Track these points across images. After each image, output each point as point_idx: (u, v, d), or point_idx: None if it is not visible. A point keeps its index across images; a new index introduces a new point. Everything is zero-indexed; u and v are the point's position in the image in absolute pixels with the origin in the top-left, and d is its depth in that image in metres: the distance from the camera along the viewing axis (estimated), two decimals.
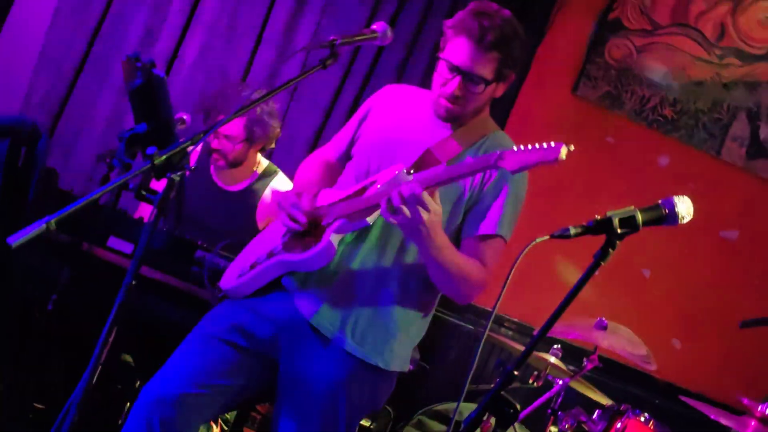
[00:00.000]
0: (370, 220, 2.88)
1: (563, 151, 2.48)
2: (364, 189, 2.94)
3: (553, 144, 2.50)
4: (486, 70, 2.91)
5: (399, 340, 3.01)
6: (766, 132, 5.28)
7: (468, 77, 2.90)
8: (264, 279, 3.02)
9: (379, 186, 2.87)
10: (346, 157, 3.21)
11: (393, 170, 2.87)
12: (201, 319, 3.09)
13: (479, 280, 2.89)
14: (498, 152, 2.56)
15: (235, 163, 4.25)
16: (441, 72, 2.94)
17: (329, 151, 3.29)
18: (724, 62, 5.18)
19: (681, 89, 5.20)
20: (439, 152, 2.99)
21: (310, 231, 2.95)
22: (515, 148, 2.57)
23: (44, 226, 2.23)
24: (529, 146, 2.55)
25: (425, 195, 2.62)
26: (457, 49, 2.91)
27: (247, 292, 3.05)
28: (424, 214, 2.64)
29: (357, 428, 3.14)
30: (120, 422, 3.79)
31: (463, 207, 2.90)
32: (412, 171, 2.87)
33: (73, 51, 4.51)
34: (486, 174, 2.95)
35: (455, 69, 2.89)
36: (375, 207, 2.83)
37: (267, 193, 4.27)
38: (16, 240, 2.20)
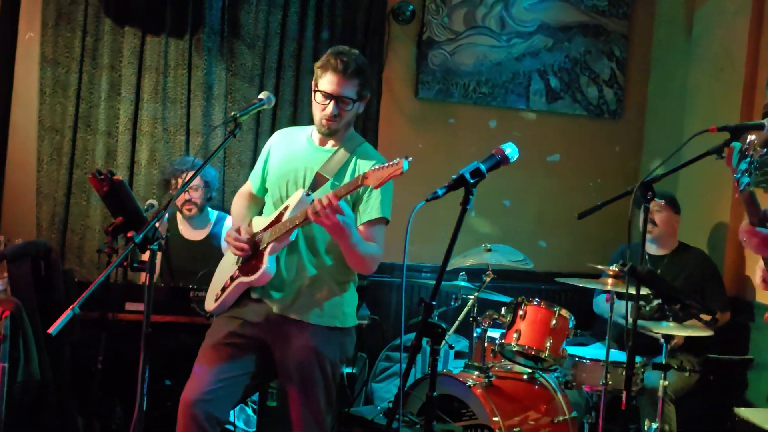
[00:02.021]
0: (292, 237, 3.08)
1: (405, 164, 2.70)
2: (281, 215, 3.13)
3: (397, 161, 2.73)
4: (352, 93, 3.14)
5: (343, 304, 3.26)
6: (554, 82, 5.65)
7: (340, 100, 3.12)
8: (234, 297, 3.23)
9: (291, 208, 3.12)
10: (264, 189, 3.38)
11: (298, 194, 3.11)
12: (205, 336, 3.28)
13: (377, 258, 3.16)
14: (362, 174, 2.82)
15: (201, 208, 4.51)
16: (318, 101, 3.16)
17: (250, 186, 3.47)
18: (511, 43, 5.56)
19: (488, 71, 5.53)
20: (325, 172, 3.19)
21: (254, 254, 3.16)
22: (374, 168, 2.81)
23: (72, 312, 2.43)
24: (383, 165, 2.79)
25: (332, 211, 2.86)
26: (328, 81, 3.12)
27: (226, 308, 3.26)
28: (340, 218, 2.90)
29: (340, 376, 3.36)
30: None
31: (351, 205, 3.13)
32: (309, 192, 3.12)
33: (60, 183, 4.81)
34: (373, 196, 3.17)
35: (329, 96, 3.11)
36: (293, 228, 3.03)
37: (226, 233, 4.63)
38: (54, 329, 2.43)
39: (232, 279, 3.26)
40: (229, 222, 4.63)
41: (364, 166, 3.19)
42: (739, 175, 2.69)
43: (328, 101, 3.15)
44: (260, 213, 3.45)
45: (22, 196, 4.83)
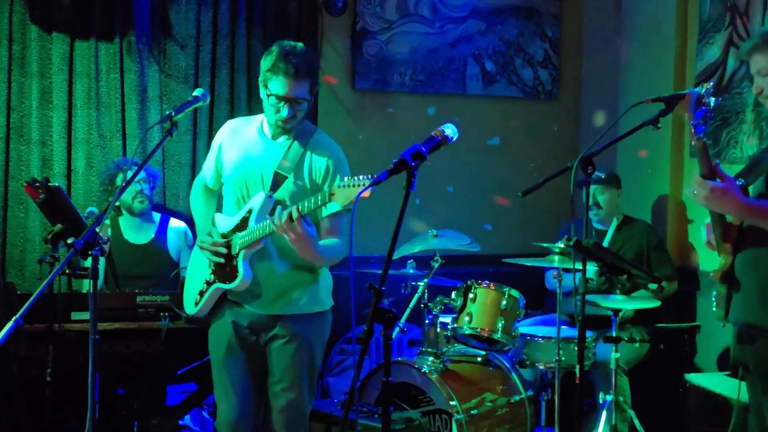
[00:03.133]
0: (262, 243, 3.16)
1: (369, 191, 2.64)
2: (246, 219, 3.21)
3: (362, 180, 2.72)
4: (305, 93, 3.18)
5: (319, 290, 3.35)
6: (489, 65, 5.65)
7: (294, 101, 3.15)
8: (213, 300, 3.32)
9: (255, 212, 3.18)
10: (218, 183, 3.43)
11: (259, 197, 3.19)
12: (208, 346, 3.40)
13: (341, 253, 3.25)
14: (329, 192, 2.85)
15: (151, 200, 4.52)
16: (272, 104, 3.17)
17: (204, 178, 3.50)
18: (444, 29, 5.52)
19: (423, 58, 5.50)
20: (282, 170, 3.22)
21: (227, 258, 3.23)
22: (340, 185, 2.81)
23: (15, 324, 2.40)
24: (350, 184, 2.78)
25: (297, 224, 2.95)
26: (280, 85, 3.12)
27: (207, 311, 3.35)
28: (301, 233, 2.98)
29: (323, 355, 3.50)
30: None
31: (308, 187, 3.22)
32: (271, 193, 3.18)
33: None
34: (325, 176, 3.24)
35: (283, 99, 3.14)
36: (263, 237, 3.12)
37: (171, 233, 4.57)
38: None
39: (208, 284, 3.31)
40: (174, 224, 4.61)
41: (319, 160, 3.26)
42: (695, 122, 2.71)
43: (281, 104, 3.16)
44: (218, 207, 3.49)
45: None
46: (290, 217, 2.96)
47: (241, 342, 3.34)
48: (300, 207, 2.97)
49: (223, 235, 3.29)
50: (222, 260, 3.24)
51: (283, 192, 3.23)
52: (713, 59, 4.82)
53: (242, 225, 3.23)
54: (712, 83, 2.77)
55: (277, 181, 3.23)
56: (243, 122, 3.49)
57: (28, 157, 4.74)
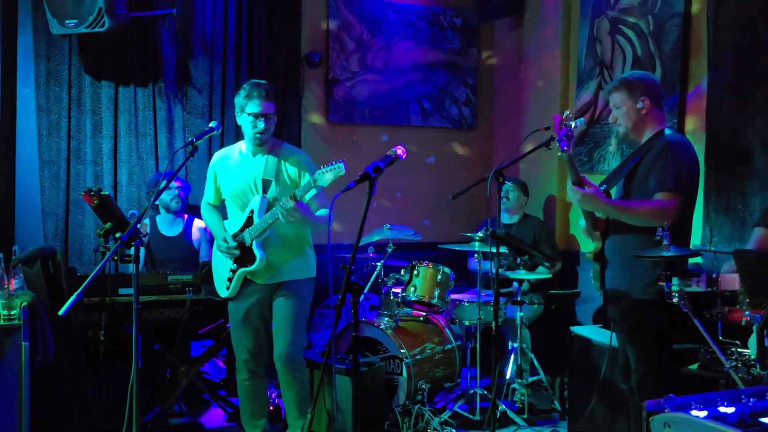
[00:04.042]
0: (267, 232, 3.20)
1: (344, 167, 2.86)
2: (250, 217, 3.23)
3: (336, 165, 2.88)
4: (273, 109, 3.21)
5: (309, 258, 3.39)
6: (426, 105, 5.61)
7: (267, 116, 3.18)
8: (240, 282, 3.34)
9: (256, 211, 3.20)
10: (219, 199, 3.45)
11: (256, 199, 3.23)
12: (229, 310, 3.38)
13: (325, 221, 3.21)
14: (313, 179, 2.92)
15: (185, 201, 4.43)
16: (248, 122, 3.19)
17: (207, 199, 3.50)
18: (393, 79, 5.49)
19: (378, 99, 5.47)
20: (267, 176, 3.23)
21: (243, 249, 3.25)
22: (320, 171, 2.91)
23: (76, 297, 2.41)
24: (327, 168, 2.91)
25: (296, 206, 3.01)
26: (255, 105, 3.16)
27: (236, 292, 3.35)
28: (301, 211, 3.04)
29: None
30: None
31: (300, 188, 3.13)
32: (264, 195, 3.24)
33: (59, 203, 4.59)
34: (298, 172, 3.25)
35: (259, 115, 3.16)
36: (268, 227, 3.16)
37: (194, 230, 4.48)
38: (62, 310, 2.39)
39: (233, 271, 3.29)
40: (197, 223, 4.53)
41: (291, 162, 3.26)
42: (558, 138, 2.69)
43: (258, 119, 3.17)
44: (224, 216, 3.46)
45: (30, 215, 4.60)
46: (291, 210, 3.00)
47: (255, 307, 3.34)
48: (296, 194, 3.01)
49: (234, 234, 3.28)
50: (238, 253, 3.24)
51: (272, 192, 3.25)
52: (588, 99, 4.89)
53: (248, 222, 3.25)
54: (567, 112, 2.75)
55: (265, 186, 3.24)
56: (226, 151, 3.48)
57: (84, 174, 4.67)
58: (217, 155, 3.47)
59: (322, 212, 3.28)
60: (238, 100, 3.23)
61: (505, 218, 4.93)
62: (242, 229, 3.25)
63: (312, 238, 3.46)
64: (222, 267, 3.40)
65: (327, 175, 2.94)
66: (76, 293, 2.42)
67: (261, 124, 3.19)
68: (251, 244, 3.21)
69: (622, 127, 2.91)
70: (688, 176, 2.77)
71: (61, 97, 4.63)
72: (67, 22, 4.18)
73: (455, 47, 5.75)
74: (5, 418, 2.97)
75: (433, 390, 4.10)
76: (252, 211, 3.21)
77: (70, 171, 4.65)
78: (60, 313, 2.39)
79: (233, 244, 3.25)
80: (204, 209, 3.54)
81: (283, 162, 3.28)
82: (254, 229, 3.20)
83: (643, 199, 2.76)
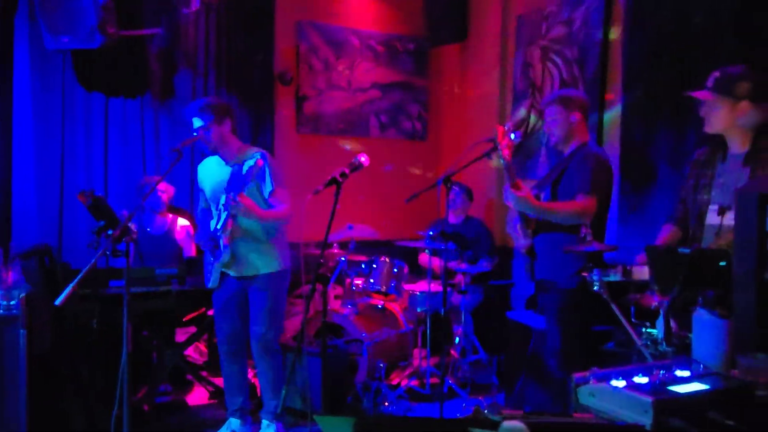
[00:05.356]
0: (228, 229, 3.11)
1: (259, 157, 2.78)
2: (219, 216, 3.17)
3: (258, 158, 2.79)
4: (204, 122, 3.10)
5: (275, 252, 3.25)
6: (384, 119, 5.61)
7: (199, 130, 3.12)
8: (218, 274, 3.27)
9: (222, 210, 3.14)
10: (208, 206, 3.36)
11: (222, 199, 3.13)
12: (212, 299, 3.31)
13: (285, 212, 3.14)
14: (242, 171, 2.84)
15: (169, 204, 4.27)
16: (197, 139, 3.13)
17: (201, 205, 3.45)
18: (355, 96, 5.48)
19: (342, 114, 5.43)
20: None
21: (215, 245, 3.21)
22: (250, 167, 2.84)
23: (71, 289, 2.33)
24: (254, 163, 2.83)
25: (236, 198, 2.91)
26: (193, 125, 3.13)
27: (217, 283, 3.28)
28: (243, 204, 2.93)
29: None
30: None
31: (258, 189, 3.15)
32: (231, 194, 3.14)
33: (54, 203, 4.46)
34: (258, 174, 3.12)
35: (196, 131, 3.12)
36: (227, 222, 3.07)
37: (178, 228, 4.35)
38: (58, 299, 2.32)
39: (212, 264, 3.26)
40: (181, 222, 4.41)
41: (248, 164, 3.04)
42: (501, 147, 2.70)
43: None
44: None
45: (27, 215, 4.45)
46: (233, 199, 2.89)
47: (232, 298, 3.30)
48: (240, 186, 2.93)
49: (213, 231, 3.23)
50: (215, 247, 3.21)
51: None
52: (522, 116, 4.96)
53: (218, 221, 3.20)
54: (509, 124, 2.76)
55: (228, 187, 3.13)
56: (207, 161, 3.42)
57: (77, 177, 4.54)
58: (200, 166, 3.43)
59: (275, 208, 3.15)
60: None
61: (452, 219, 4.95)
62: (215, 226, 3.21)
63: (284, 235, 3.36)
64: (208, 261, 3.37)
65: (253, 169, 2.86)
66: (71, 284, 2.36)
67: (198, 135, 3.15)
68: (219, 240, 3.16)
69: (555, 137, 2.95)
70: (604, 182, 2.83)
71: (55, 107, 4.49)
72: (60, 38, 4.04)
73: (409, 69, 5.78)
74: (10, 401, 2.91)
75: (390, 368, 4.11)
76: (220, 211, 3.17)
77: (64, 174, 4.51)
78: (56, 302, 2.33)
79: (209, 237, 3.21)
80: (197, 213, 3.52)
81: (245, 166, 3.18)
82: (220, 224, 3.14)
83: (566, 201, 2.81)
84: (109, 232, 2.85)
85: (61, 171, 4.49)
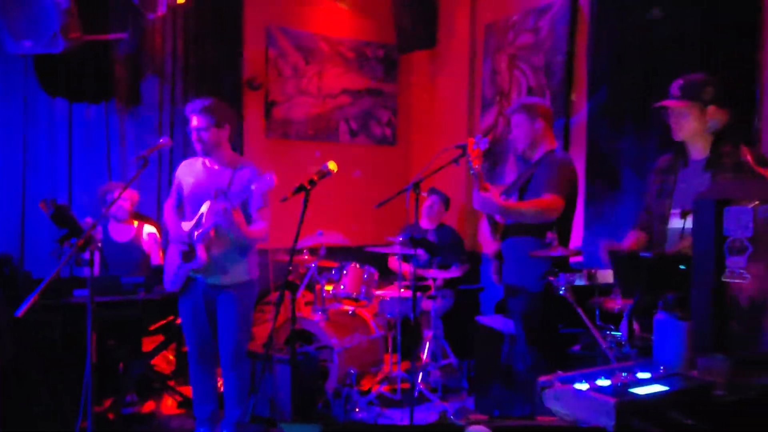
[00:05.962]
0: (210, 233, 3.10)
1: (273, 179, 2.77)
2: (200, 220, 3.14)
3: (267, 177, 2.80)
4: (204, 123, 3.12)
5: (247, 264, 3.24)
6: (354, 125, 5.60)
7: (199, 129, 3.12)
8: (183, 279, 3.22)
9: (205, 215, 3.10)
10: (181, 205, 3.32)
11: (206, 204, 3.12)
12: (179, 307, 3.26)
13: (263, 232, 3.16)
14: (251, 186, 2.88)
15: (131, 211, 4.20)
16: (190, 135, 3.18)
17: (171, 202, 3.35)
18: (325, 102, 5.48)
19: (312, 120, 5.45)
20: (219, 187, 3.16)
21: (190, 249, 3.17)
22: (254, 184, 2.82)
23: (33, 299, 2.25)
24: (259, 181, 2.83)
25: (226, 207, 2.94)
26: (191, 122, 3.14)
27: (180, 286, 3.24)
28: (234, 218, 2.97)
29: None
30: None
31: (243, 204, 3.14)
32: (214, 201, 3.11)
33: (16, 212, 4.36)
34: (248, 189, 3.10)
35: (192, 129, 3.14)
36: (210, 227, 3.05)
37: (144, 235, 4.29)
38: (20, 312, 2.24)
39: (180, 267, 3.19)
40: (147, 229, 4.34)
41: (242, 174, 3.14)
42: (471, 159, 2.73)
43: (191, 132, 3.17)
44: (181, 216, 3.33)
45: None
46: (225, 210, 2.91)
47: (200, 305, 3.26)
48: (230, 196, 2.96)
49: (187, 233, 3.18)
50: (187, 249, 3.16)
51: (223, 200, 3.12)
52: (490, 122, 5.01)
53: (197, 223, 3.15)
54: (479, 135, 2.79)
55: (217, 194, 3.15)
56: (191, 162, 3.39)
57: (40, 184, 4.44)
58: (183, 164, 3.39)
59: (257, 224, 3.16)
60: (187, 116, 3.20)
61: (426, 224, 4.94)
62: (192, 231, 3.16)
63: (254, 245, 3.35)
64: (171, 263, 3.30)
65: (259, 183, 2.86)
66: (32, 294, 2.28)
67: (195, 137, 3.16)
68: (195, 244, 3.13)
69: (521, 144, 2.99)
70: (570, 184, 2.86)
71: (17, 112, 4.38)
72: (22, 42, 3.93)
73: (379, 75, 5.79)
74: None
75: (361, 374, 4.10)
76: (201, 214, 3.13)
77: (26, 182, 4.39)
78: (16, 313, 2.25)
79: (186, 240, 3.16)
80: (167, 210, 3.41)
81: (236, 174, 3.21)
82: (201, 229, 3.11)
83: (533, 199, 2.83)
84: (73, 241, 2.86)
85: (23, 178, 4.39)
